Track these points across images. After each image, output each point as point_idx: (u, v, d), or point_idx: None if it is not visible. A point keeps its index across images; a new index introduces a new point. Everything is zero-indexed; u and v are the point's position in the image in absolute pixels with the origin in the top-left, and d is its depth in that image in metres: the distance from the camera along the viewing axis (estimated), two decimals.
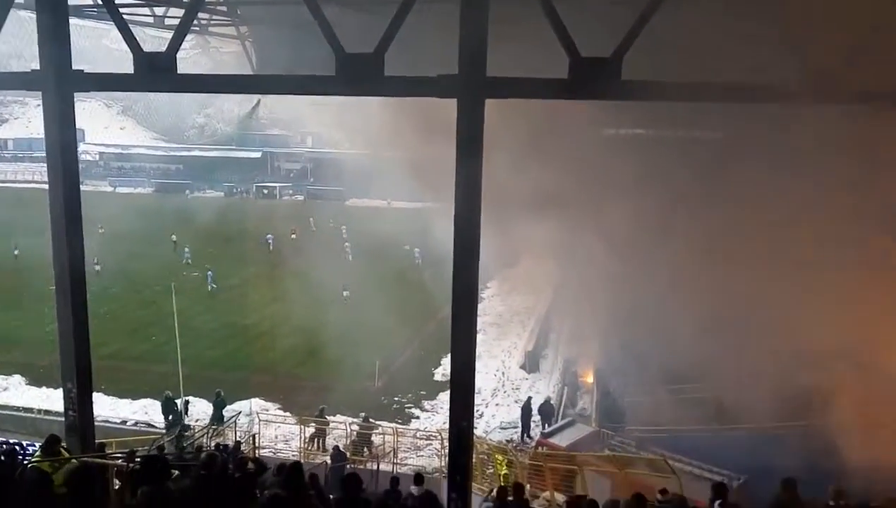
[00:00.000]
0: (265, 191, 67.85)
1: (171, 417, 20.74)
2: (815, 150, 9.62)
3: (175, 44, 7.33)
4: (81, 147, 47.58)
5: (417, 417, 23.35)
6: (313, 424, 20.01)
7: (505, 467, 16.79)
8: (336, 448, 17.50)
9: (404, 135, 18.89)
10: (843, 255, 10.77)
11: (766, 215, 11.38)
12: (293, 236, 45.50)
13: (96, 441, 8.63)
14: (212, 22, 19.37)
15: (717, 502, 7.33)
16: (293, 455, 17.86)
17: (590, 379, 24.13)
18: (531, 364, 27.03)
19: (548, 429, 19.77)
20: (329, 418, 20.51)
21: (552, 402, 22.62)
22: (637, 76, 7.40)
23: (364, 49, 7.19)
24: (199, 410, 22.01)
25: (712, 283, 12.53)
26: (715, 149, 13.16)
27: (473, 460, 16.31)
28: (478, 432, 21.21)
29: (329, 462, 16.77)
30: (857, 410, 11.98)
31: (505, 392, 25.23)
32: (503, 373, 26.43)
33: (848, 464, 10.99)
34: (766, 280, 11.75)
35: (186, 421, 19.96)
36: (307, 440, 19.77)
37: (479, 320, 29.84)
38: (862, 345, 11.39)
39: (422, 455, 19.47)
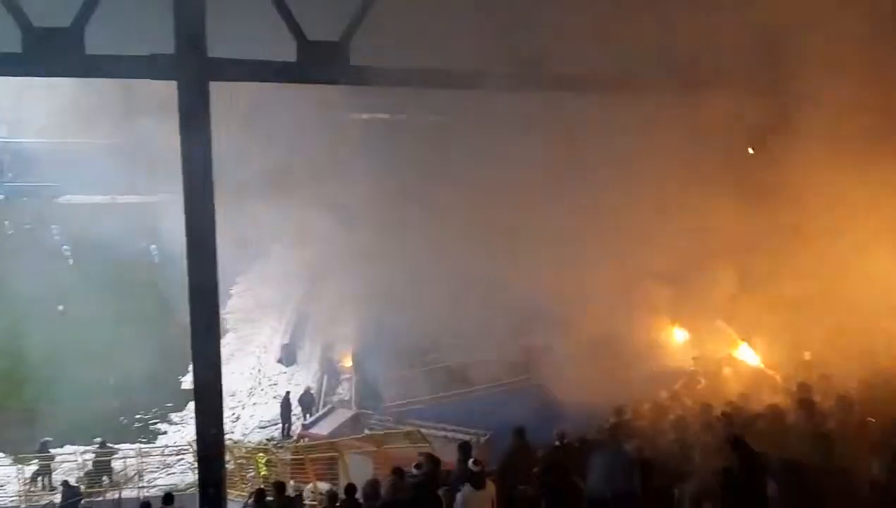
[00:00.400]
0: None
1: None
2: (522, 131, 10.79)
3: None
4: None
5: (165, 432, 21.44)
6: (35, 461, 17.21)
7: (265, 467, 16.23)
8: (66, 483, 15.29)
9: (112, 117, 16.88)
10: (558, 226, 12.37)
11: (488, 193, 12.48)
12: None
13: None
14: None
15: (471, 461, 7.91)
16: (11, 503, 15.25)
17: (348, 362, 24.35)
18: (288, 357, 26.41)
19: (308, 420, 19.54)
20: (55, 451, 17.80)
21: (312, 392, 22.41)
22: (368, 61, 7.52)
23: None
24: None
25: (449, 258, 13.41)
26: (444, 131, 14.05)
27: (231, 466, 15.53)
28: (235, 436, 20.19)
29: (58, 501, 14.61)
30: (567, 362, 13.84)
31: (262, 389, 24.37)
32: (259, 370, 25.45)
33: (566, 409, 12.59)
34: (492, 252, 12.92)
35: None
36: (27, 480, 16.95)
37: (231, 317, 28.42)
38: (568, 305, 13.09)
39: (173, 473, 17.95)
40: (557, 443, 9.74)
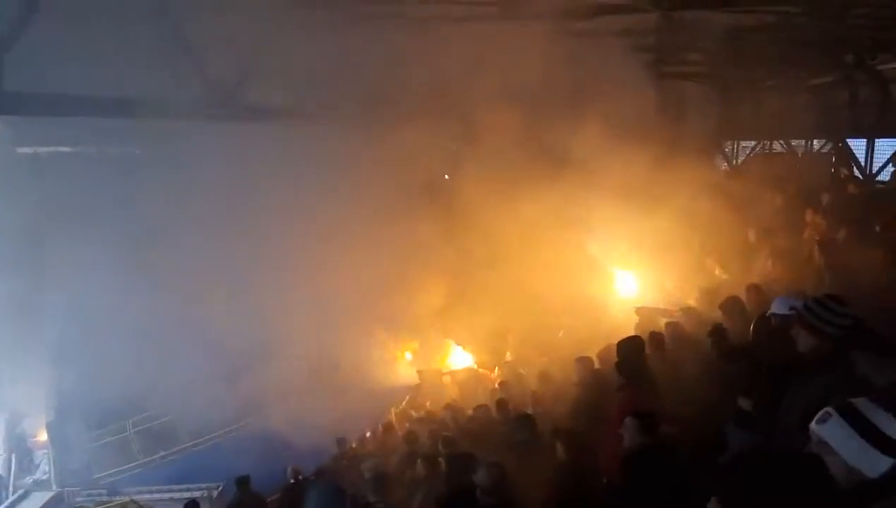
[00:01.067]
0: None
1: None
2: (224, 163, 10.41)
3: None
4: None
5: None
6: None
7: None
8: None
9: None
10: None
11: (185, 227, 11.76)
12: None
13: None
14: None
15: None
16: None
17: (43, 435, 20.68)
18: None
19: None
20: None
21: None
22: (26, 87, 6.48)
23: None
24: None
25: (150, 302, 12.31)
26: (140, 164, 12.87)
27: None
28: None
29: None
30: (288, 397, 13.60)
31: None
32: None
33: (298, 446, 12.32)
34: (197, 293, 12.20)
35: None
36: None
37: None
38: (280, 338, 12.87)
39: None
40: (293, 480, 9.52)
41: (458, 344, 14.31)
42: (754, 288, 7.65)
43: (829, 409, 2.41)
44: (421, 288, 13.02)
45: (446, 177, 12.92)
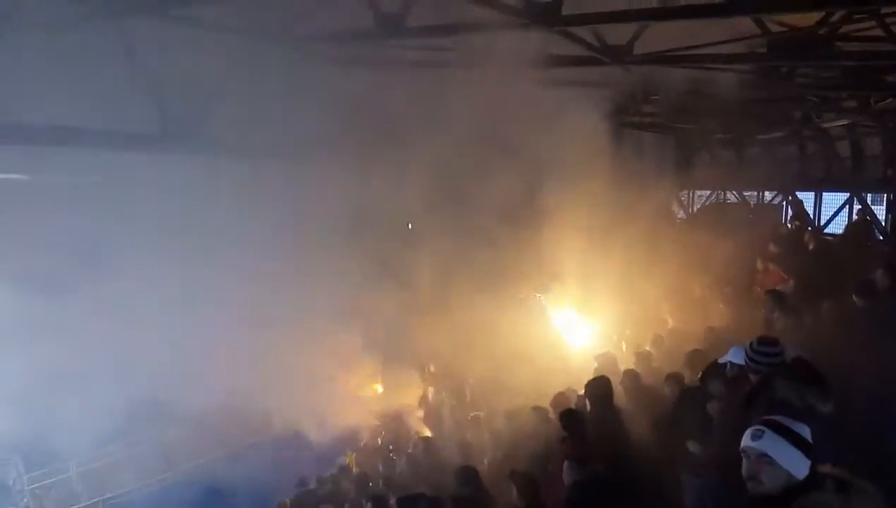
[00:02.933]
0: None
1: None
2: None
3: None
4: None
5: None
6: None
7: None
8: None
9: None
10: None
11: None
12: None
13: None
14: None
15: None
16: None
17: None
18: None
19: None
20: None
21: None
22: None
23: None
24: None
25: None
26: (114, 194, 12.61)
27: None
28: None
29: None
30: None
31: None
32: None
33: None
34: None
35: None
36: None
37: None
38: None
39: None
40: None
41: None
42: (711, 333, 7.91)
43: (758, 426, 2.68)
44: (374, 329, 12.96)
45: (409, 225, 12.96)
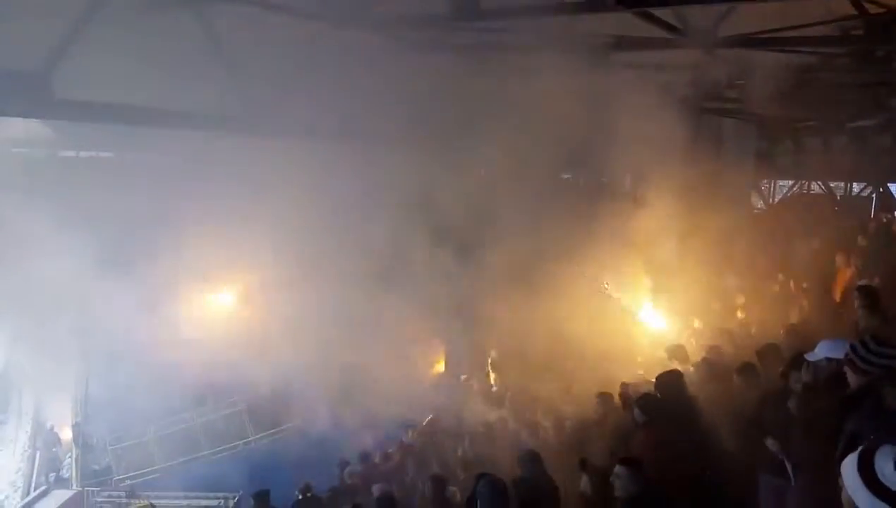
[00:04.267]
0: None
1: None
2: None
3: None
4: None
5: None
6: None
7: None
8: None
9: None
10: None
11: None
12: None
13: None
14: None
15: None
16: None
17: (68, 434, 21.04)
18: None
19: (14, 507, 16.42)
20: None
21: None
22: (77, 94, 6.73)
23: None
24: None
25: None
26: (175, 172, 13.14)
27: None
28: None
29: None
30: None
31: None
32: None
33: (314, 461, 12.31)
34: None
35: None
36: None
37: None
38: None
39: None
40: (300, 497, 9.55)
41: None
42: (792, 329, 7.55)
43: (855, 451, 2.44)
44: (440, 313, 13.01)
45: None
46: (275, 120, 7.23)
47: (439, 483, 7.25)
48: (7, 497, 18.33)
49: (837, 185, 15.84)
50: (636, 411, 5.98)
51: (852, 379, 3.95)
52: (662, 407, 5.91)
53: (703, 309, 10.33)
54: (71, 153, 18.46)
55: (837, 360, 4.52)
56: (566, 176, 11.61)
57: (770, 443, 5.02)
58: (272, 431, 16.34)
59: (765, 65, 8.05)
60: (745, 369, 6.31)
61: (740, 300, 9.86)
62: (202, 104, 7.42)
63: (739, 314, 9.60)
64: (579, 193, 10.27)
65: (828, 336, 5.26)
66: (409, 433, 11.49)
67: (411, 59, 7.92)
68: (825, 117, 13.98)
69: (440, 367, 15.77)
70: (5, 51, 6.36)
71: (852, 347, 4.04)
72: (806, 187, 16.28)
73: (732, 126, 14.24)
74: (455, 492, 7.35)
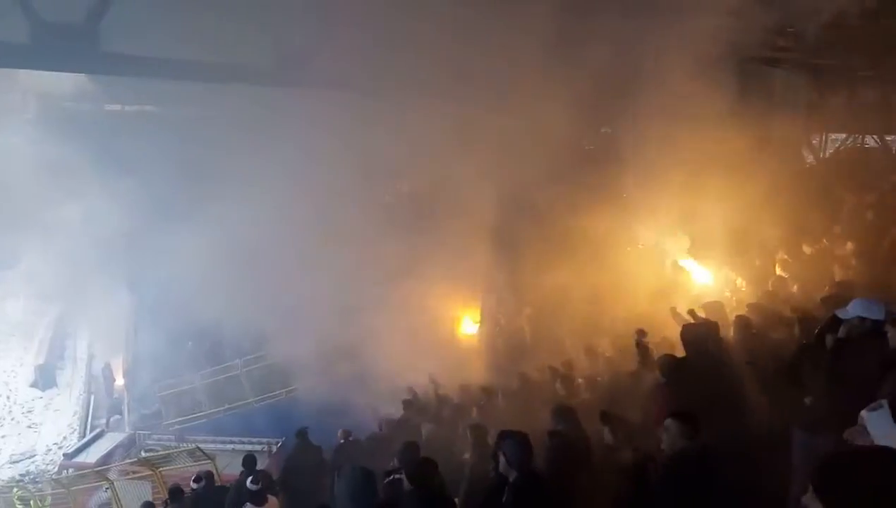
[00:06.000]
0: None
1: None
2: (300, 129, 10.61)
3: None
4: None
5: None
6: None
7: (20, 505, 14.16)
8: None
9: None
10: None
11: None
12: None
13: None
14: None
15: (249, 479, 7.70)
16: None
17: (120, 380, 22.04)
18: (45, 379, 23.15)
19: (71, 448, 17.36)
20: None
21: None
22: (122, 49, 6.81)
23: None
24: None
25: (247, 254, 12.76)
26: (218, 126, 13.26)
27: None
28: None
29: None
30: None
31: (14, 419, 21.11)
32: (8, 398, 22.04)
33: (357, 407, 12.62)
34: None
35: None
36: None
37: None
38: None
39: None
40: (342, 440, 9.87)
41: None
42: (838, 286, 7.35)
43: (882, 401, 2.55)
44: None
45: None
46: (310, 72, 7.21)
47: (481, 431, 7.28)
48: (65, 438, 19.42)
49: (894, 139, 15.08)
50: (657, 372, 5.98)
51: (893, 338, 3.84)
52: (682, 367, 5.88)
53: (745, 265, 10.10)
54: (117, 107, 18.88)
55: (872, 320, 4.41)
56: (605, 130, 11.29)
57: (808, 401, 4.95)
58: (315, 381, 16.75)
59: (819, 9, 7.63)
60: (782, 325, 6.19)
61: (783, 257, 9.59)
62: (243, 58, 7.43)
63: (781, 271, 9.35)
64: (618, 147, 9.99)
65: (873, 295, 5.12)
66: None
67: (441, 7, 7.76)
68: (884, 66, 13.22)
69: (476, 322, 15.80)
70: (51, 6, 6.44)
71: None
72: (860, 141, 15.54)
73: (783, 75, 13.60)
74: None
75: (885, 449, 2.13)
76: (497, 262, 12.82)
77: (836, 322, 5.17)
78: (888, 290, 6.08)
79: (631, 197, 10.26)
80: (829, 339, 5.05)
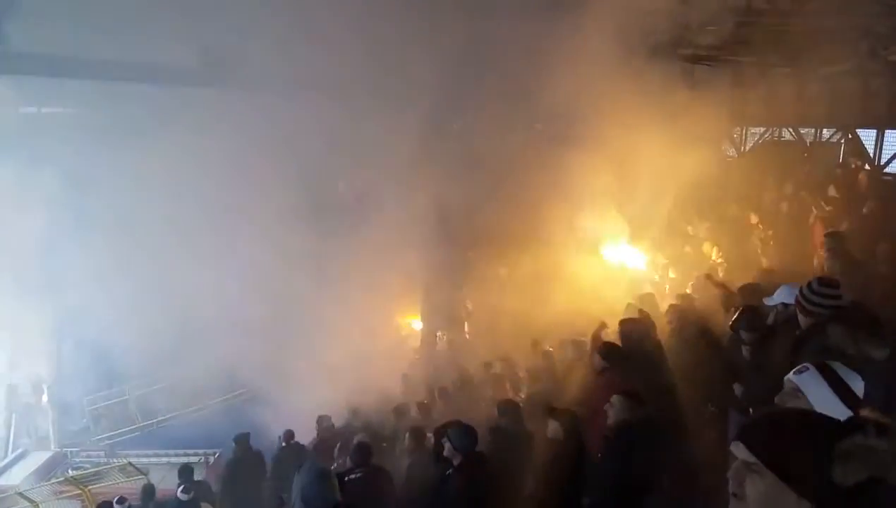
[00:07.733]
0: None
1: None
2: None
3: None
4: None
5: None
6: None
7: None
8: None
9: None
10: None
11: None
12: None
13: None
14: None
15: (180, 489, 7.52)
16: None
17: (44, 397, 20.87)
18: None
19: None
20: None
21: None
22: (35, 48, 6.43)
23: None
24: None
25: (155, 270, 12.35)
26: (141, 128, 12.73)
27: None
28: None
29: None
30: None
31: None
32: None
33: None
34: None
35: None
36: None
37: None
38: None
39: None
40: (284, 444, 9.71)
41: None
42: (764, 273, 7.68)
43: (807, 363, 2.65)
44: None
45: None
46: (237, 73, 7.01)
47: (419, 434, 7.32)
48: None
49: (808, 132, 15.91)
50: (596, 357, 6.11)
51: (802, 320, 4.09)
52: (622, 355, 6.04)
53: (675, 255, 10.46)
54: (33, 109, 17.87)
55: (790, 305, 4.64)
56: (537, 126, 11.45)
57: (736, 387, 5.17)
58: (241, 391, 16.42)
59: (736, 9, 7.97)
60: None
61: (710, 246, 10.00)
62: (163, 58, 7.16)
63: (710, 260, 9.74)
64: (551, 143, 10.17)
65: (793, 281, 5.36)
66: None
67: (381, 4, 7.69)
68: (797, 63, 13.92)
69: (415, 318, 15.82)
70: None
71: (800, 290, 4.19)
72: (777, 134, 16.33)
73: (705, 73, 14.15)
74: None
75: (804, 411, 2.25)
76: (436, 260, 12.83)
77: (747, 311, 5.44)
78: (802, 278, 6.39)
79: (568, 186, 10.40)
80: (743, 334, 5.30)
